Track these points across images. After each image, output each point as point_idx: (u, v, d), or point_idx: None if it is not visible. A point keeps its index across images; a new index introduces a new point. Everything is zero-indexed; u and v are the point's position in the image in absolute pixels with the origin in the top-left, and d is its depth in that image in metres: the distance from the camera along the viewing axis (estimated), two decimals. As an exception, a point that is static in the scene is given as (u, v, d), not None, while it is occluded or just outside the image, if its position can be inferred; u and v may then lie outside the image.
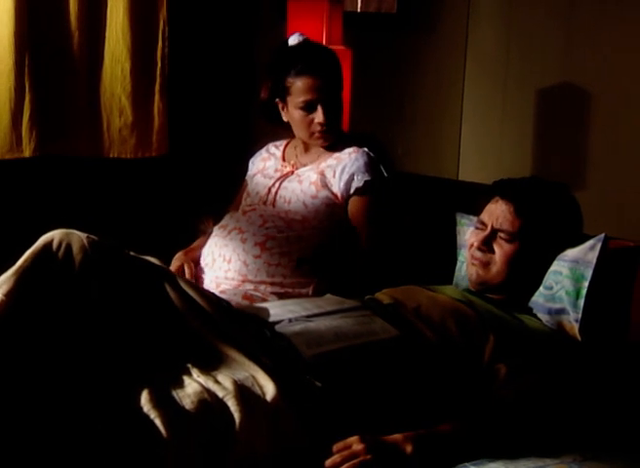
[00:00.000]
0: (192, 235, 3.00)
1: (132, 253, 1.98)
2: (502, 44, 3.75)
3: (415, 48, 3.75)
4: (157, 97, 3.37)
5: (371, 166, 2.66)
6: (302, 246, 2.56)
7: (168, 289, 1.94)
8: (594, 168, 3.49)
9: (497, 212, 2.31)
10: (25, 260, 1.83)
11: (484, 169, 3.79)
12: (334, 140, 2.74)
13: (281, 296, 2.51)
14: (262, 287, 2.52)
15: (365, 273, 2.58)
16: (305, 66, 2.66)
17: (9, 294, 1.76)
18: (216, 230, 2.71)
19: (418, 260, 2.71)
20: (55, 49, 3.19)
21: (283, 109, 2.75)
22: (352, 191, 2.63)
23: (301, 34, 2.75)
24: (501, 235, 2.29)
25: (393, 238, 2.72)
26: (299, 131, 2.74)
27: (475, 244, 2.33)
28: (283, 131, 2.86)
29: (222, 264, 2.58)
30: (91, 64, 3.27)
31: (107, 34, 3.28)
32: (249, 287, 2.52)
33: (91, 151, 3.30)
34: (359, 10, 3.70)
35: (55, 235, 1.88)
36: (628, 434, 1.99)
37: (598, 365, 2.20)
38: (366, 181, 2.63)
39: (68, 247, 1.86)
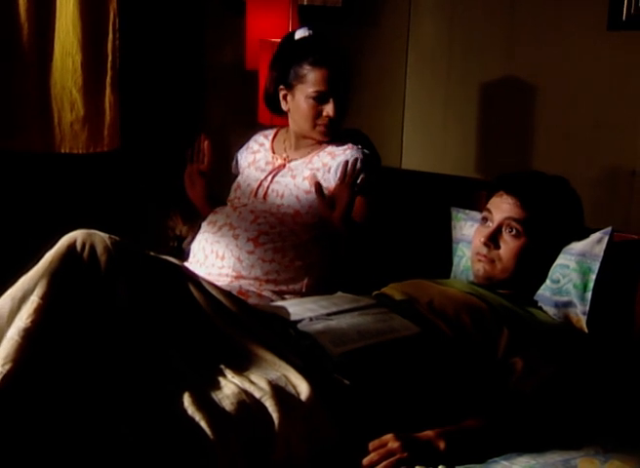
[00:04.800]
0: (159, 232, 2.97)
1: (152, 254, 1.94)
2: (444, 38, 3.82)
3: (359, 41, 3.78)
4: (108, 90, 3.28)
5: (366, 163, 2.65)
6: (295, 241, 2.55)
7: (192, 289, 1.92)
8: (538, 158, 3.59)
9: (502, 206, 2.31)
10: (52, 262, 1.77)
11: (427, 159, 3.86)
12: (332, 137, 2.72)
13: (275, 293, 2.50)
14: (257, 283, 2.51)
15: (359, 267, 2.58)
16: (324, 58, 2.64)
17: (45, 297, 1.71)
18: (205, 226, 2.67)
19: (414, 255, 2.73)
20: (3, 41, 3.07)
21: (285, 98, 2.72)
22: None
23: (309, 28, 2.72)
24: (508, 230, 2.30)
25: (386, 233, 2.73)
26: (301, 121, 2.70)
27: (482, 240, 2.32)
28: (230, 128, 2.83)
29: (216, 261, 2.55)
30: (41, 57, 3.15)
31: (57, 26, 3.17)
32: (243, 283, 2.50)
33: (42, 146, 3.19)
34: (305, 2, 3.70)
35: (77, 236, 1.83)
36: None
37: (607, 356, 2.25)
38: (362, 179, 2.62)
39: (92, 247, 1.82)
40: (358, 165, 2.56)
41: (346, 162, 2.54)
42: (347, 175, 2.50)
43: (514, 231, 2.29)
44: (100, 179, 3.37)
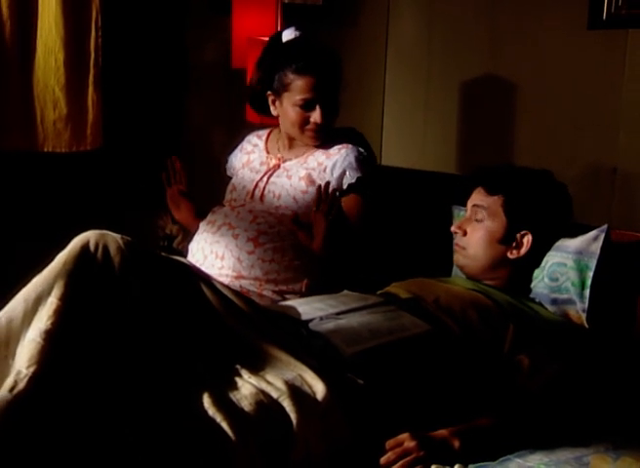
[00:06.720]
0: (144, 231, 2.94)
1: (163, 254, 1.93)
2: (424, 37, 3.82)
3: (338, 40, 3.76)
4: (91, 88, 3.27)
5: (361, 162, 2.65)
6: (294, 241, 2.54)
7: (204, 289, 1.90)
8: (519, 156, 3.60)
9: (472, 196, 2.40)
10: (66, 263, 1.75)
11: (407, 157, 3.86)
12: (323, 140, 2.71)
13: (275, 292, 2.49)
14: (257, 283, 2.50)
15: (357, 266, 2.58)
16: (308, 65, 2.60)
17: (63, 298, 1.69)
18: (203, 226, 2.65)
19: (414, 254, 2.73)
20: (-15, 39, 3.05)
21: (274, 103, 2.70)
22: (345, 187, 2.60)
23: (297, 29, 2.70)
24: (475, 217, 2.36)
25: (383, 231, 2.73)
26: (290, 127, 2.69)
27: (452, 229, 2.40)
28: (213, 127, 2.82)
29: (215, 261, 2.53)
30: (23, 55, 3.15)
31: (40, 24, 3.15)
32: (243, 282, 2.49)
33: (25, 145, 3.17)
34: (286, 0, 3.68)
35: (90, 236, 1.82)
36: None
37: (610, 353, 2.26)
38: (358, 178, 2.62)
39: (105, 248, 1.80)
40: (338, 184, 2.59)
41: (319, 187, 2.53)
42: (322, 201, 2.50)
43: (479, 216, 2.35)
44: (82, 178, 3.34)
